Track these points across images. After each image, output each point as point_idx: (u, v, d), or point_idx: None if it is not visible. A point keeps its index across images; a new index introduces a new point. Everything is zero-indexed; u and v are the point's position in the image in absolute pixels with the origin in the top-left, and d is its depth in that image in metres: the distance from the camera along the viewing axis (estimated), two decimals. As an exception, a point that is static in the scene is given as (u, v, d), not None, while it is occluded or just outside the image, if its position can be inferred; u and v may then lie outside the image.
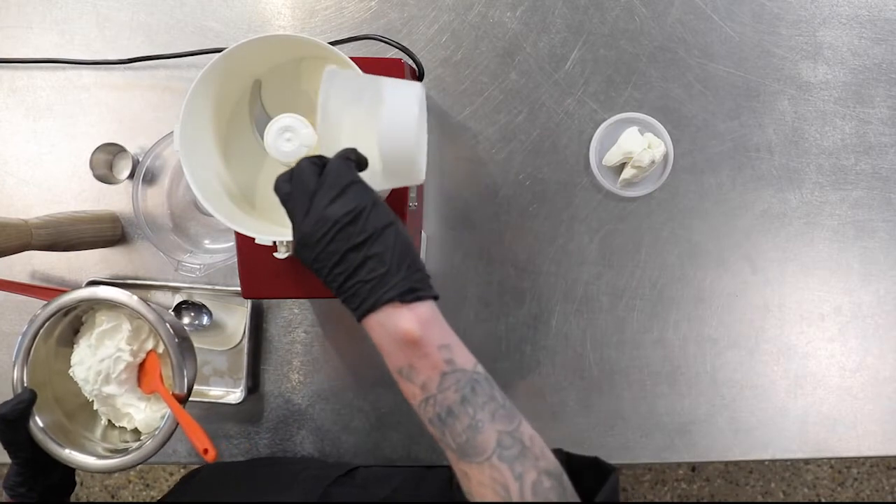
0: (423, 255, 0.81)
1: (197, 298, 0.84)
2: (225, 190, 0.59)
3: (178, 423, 0.65)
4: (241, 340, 0.83)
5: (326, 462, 0.84)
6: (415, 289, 0.47)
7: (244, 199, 0.61)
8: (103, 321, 0.70)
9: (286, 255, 0.55)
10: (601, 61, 0.84)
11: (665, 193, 0.85)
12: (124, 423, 0.72)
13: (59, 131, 0.85)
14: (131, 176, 0.83)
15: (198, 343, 0.75)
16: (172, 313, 0.81)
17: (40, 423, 0.66)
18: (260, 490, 0.73)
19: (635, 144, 0.80)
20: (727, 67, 0.84)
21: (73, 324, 0.71)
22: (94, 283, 0.83)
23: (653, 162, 0.80)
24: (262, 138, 0.54)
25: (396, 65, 0.64)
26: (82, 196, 0.85)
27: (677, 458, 0.85)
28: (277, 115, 0.54)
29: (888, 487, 1.68)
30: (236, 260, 0.65)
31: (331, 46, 0.55)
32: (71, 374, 0.70)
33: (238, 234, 0.61)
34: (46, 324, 0.67)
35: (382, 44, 0.71)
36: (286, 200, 0.49)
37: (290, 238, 0.50)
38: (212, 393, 0.84)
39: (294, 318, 0.85)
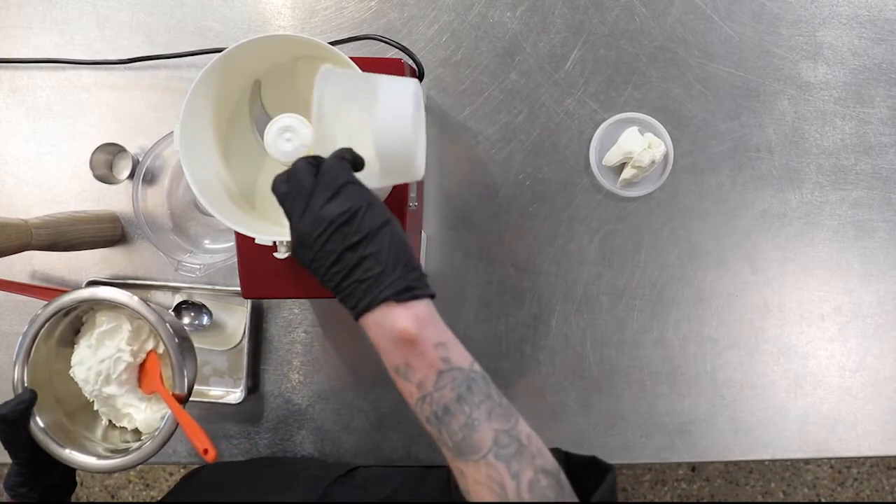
0: (423, 255, 0.81)
1: (197, 298, 0.84)
2: (225, 190, 0.59)
3: (178, 424, 0.65)
4: (241, 340, 0.83)
5: (326, 462, 0.84)
6: (410, 287, 0.47)
7: (244, 199, 0.61)
8: (104, 321, 0.70)
9: (286, 255, 0.55)
10: (601, 61, 0.84)
11: (665, 193, 0.85)
12: (125, 424, 0.72)
13: (59, 131, 0.85)
14: (131, 176, 0.83)
15: (198, 343, 0.75)
16: (172, 313, 0.81)
17: (41, 424, 0.66)
18: (260, 490, 0.73)
19: (635, 144, 0.80)
20: (727, 67, 0.84)
21: (73, 324, 0.71)
22: (94, 283, 0.83)
23: (653, 162, 0.80)
24: (262, 138, 0.54)
25: (396, 65, 0.64)
26: (82, 196, 0.85)
27: (677, 458, 0.85)
28: (277, 115, 0.54)
29: (888, 487, 1.68)
30: (236, 260, 0.65)
31: (331, 46, 0.55)
32: (71, 375, 0.70)
33: (238, 234, 0.61)
34: (47, 324, 0.67)
35: (382, 44, 0.71)
36: (283, 200, 0.49)
37: (290, 238, 0.50)
38: (212, 393, 0.84)
39: (294, 318, 0.85)
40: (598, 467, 0.64)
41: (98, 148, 0.82)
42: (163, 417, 0.68)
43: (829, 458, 1.65)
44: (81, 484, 1.65)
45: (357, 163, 0.50)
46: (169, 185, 0.83)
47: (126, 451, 0.67)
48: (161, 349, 0.71)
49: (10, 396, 0.65)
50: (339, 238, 0.47)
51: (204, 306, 0.83)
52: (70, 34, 0.85)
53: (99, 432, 0.71)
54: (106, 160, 0.84)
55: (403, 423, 0.85)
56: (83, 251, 0.81)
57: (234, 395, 0.83)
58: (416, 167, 0.51)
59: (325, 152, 0.49)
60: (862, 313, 0.86)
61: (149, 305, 0.67)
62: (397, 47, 0.69)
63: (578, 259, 0.85)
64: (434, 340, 0.47)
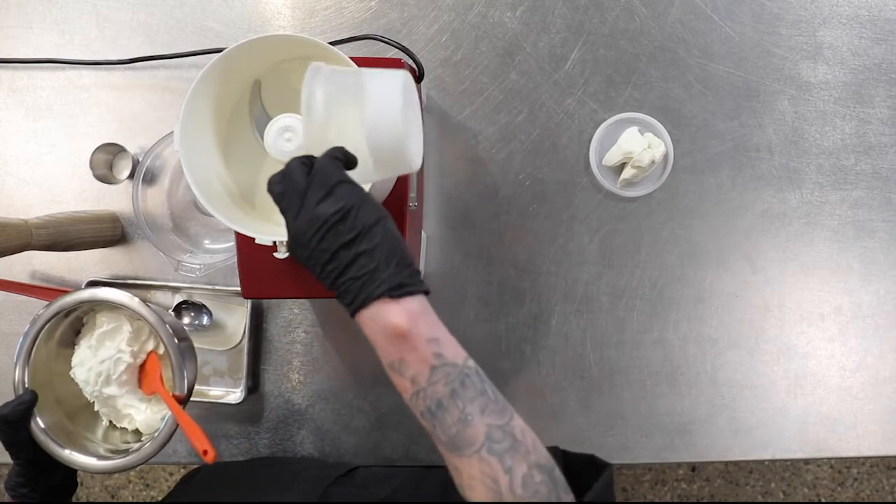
0: (423, 255, 0.81)
1: (197, 298, 0.84)
2: (225, 190, 0.59)
3: (178, 425, 0.65)
4: (241, 340, 0.83)
5: (326, 462, 0.84)
6: (404, 284, 0.47)
7: (244, 199, 0.61)
8: (104, 322, 0.70)
9: (286, 254, 0.55)
10: (601, 61, 0.84)
11: (665, 193, 0.85)
12: (125, 424, 0.72)
13: (59, 131, 0.85)
14: (131, 176, 0.83)
15: (198, 343, 0.75)
16: (172, 314, 0.81)
17: (41, 424, 0.66)
18: (260, 490, 0.73)
19: (635, 144, 0.80)
20: (727, 67, 0.84)
21: (73, 325, 0.71)
22: (94, 283, 0.83)
23: (653, 162, 0.80)
24: (262, 138, 0.54)
25: (396, 65, 0.64)
26: (82, 196, 0.85)
27: (677, 458, 0.85)
28: (277, 115, 0.54)
29: (888, 487, 1.68)
30: (236, 260, 0.65)
31: (331, 46, 0.55)
32: (72, 376, 0.70)
33: (238, 234, 0.61)
34: (47, 325, 0.67)
35: (382, 44, 0.71)
36: (279, 200, 0.49)
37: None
38: (212, 393, 0.84)
39: (294, 318, 0.85)
40: (597, 465, 0.64)
41: (98, 148, 0.82)
42: (163, 418, 0.68)
43: (829, 458, 1.65)
44: (82, 484, 1.65)
45: (349, 161, 0.50)
46: (169, 185, 0.83)
47: (126, 452, 0.67)
48: (161, 350, 0.71)
49: (11, 397, 0.66)
50: (333, 237, 0.47)
51: (204, 306, 0.83)
52: (70, 34, 0.85)
53: (99, 433, 0.71)
54: (106, 160, 0.84)
55: (403, 423, 0.85)
56: (83, 251, 0.81)
57: (234, 395, 0.83)
58: (411, 159, 0.51)
59: (318, 151, 0.49)
60: (862, 313, 0.86)
61: (149, 306, 0.67)
62: (397, 47, 0.69)
63: (578, 259, 0.85)
64: (427, 336, 0.47)
